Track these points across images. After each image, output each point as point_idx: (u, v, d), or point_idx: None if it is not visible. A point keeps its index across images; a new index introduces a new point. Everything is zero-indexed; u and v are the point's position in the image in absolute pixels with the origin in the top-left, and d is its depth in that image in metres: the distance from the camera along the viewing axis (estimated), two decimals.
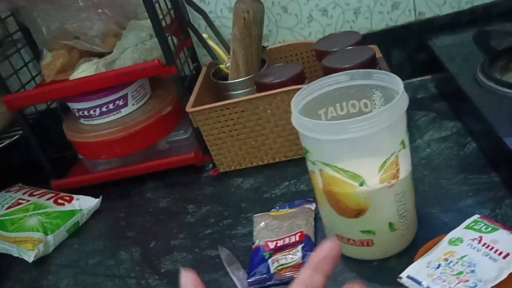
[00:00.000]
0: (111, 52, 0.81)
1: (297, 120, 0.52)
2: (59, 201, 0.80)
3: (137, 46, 0.78)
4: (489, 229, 0.52)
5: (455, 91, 0.74)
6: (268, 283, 0.57)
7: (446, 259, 0.50)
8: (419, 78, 0.92)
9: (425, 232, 0.58)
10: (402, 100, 0.50)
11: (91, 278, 0.68)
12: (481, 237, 0.51)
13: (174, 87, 0.87)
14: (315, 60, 0.90)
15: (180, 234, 0.72)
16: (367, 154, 0.51)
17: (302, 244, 0.59)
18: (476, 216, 0.55)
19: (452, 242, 0.52)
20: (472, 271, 0.48)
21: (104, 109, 0.81)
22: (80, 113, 0.83)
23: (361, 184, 0.51)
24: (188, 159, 0.83)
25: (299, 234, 0.61)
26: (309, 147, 0.53)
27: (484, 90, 0.67)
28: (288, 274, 0.57)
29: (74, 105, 0.83)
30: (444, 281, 0.48)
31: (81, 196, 0.82)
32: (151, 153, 0.86)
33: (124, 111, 0.83)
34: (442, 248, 0.52)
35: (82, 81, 0.77)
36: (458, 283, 0.47)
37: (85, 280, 0.68)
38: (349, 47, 0.80)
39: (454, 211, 0.61)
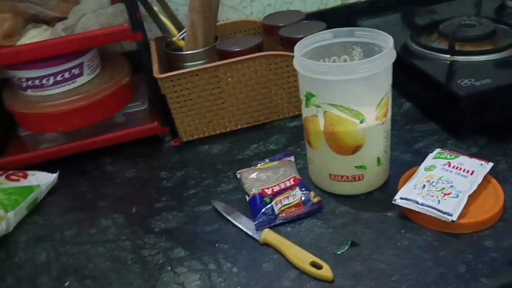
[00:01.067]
0: (63, 17, 0.77)
1: (305, 64, 0.58)
2: (12, 177, 0.73)
3: (98, 11, 0.76)
4: (452, 156, 0.64)
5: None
6: (274, 223, 0.62)
7: (428, 181, 0.61)
8: None
9: (395, 169, 0.68)
10: (393, 49, 0.59)
11: (74, 248, 0.64)
12: (449, 162, 0.63)
13: (125, 60, 0.86)
14: (262, 35, 0.96)
15: (162, 197, 0.71)
16: (368, 94, 0.58)
17: (299, 186, 0.64)
18: (438, 150, 0.67)
19: (427, 169, 0.63)
20: (451, 186, 0.59)
21: (59, 78, 0.76)
22: (30, 82, 0.76)
23: (362, 122, 0.59)
24: (148, 130, 0.83)
25: (293, 178, 0.66)
26: (316, 90, 0.59)
27: (416, 56, 0.81)
28: (292, 213, 0.62)
29: (22, 74, 0.76)
30: (432, 196, 0.58)
31: (36, 172, 0.75)
32: (106, 127, 0.83)
33: (80, 81, 0.79)
34: (421, 174, 0.63)
35: (41, 45, 0.71)
36: (444, 196, 0.58)
37: (69, 250, 0.64)
38: (298, 22, 0.88)
39: (412, 152, 0.72)
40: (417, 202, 0.58)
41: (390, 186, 0.66)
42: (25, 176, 0.74)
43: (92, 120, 0.79)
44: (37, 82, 0.76)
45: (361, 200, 0.65)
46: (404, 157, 0.72)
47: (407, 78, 0.84)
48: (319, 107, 0.60)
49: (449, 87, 0.70)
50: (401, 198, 0.59)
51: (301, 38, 0.66)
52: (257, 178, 0.68)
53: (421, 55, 0.81)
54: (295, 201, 0.63)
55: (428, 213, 0.57)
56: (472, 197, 0.59)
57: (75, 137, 0.82)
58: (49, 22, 0.79)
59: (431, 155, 0.66)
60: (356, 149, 0.61)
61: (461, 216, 0.56)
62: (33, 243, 0.66)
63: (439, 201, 0.57)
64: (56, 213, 0.71)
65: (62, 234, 0.67)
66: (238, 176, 0.71)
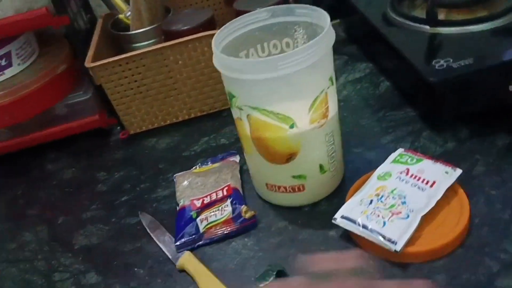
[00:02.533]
0: None
1: (221, 60, 0.47)
2: None
3: None
4: (414, 160, 0.53)
5: (367, 31, 0.73)
6: (198, 243, 0.53)
7: (377, 194, 0.50)
8: None
9: (352, 172, 0.58)
10: (330, 32, 0.47)
11: None
12: (408, 169, 0.52)
13: (66, 43, 0.77)
14: (223, 6, 0.85)
15: (92, 205, 0.64)
16: (296, 94, 0.47)
17: (231, 198, 0.55)
18: (400, 150, 0.56)
19: (381, 178, 0.52)
20: (403, 203, 0.48)
21: None
22: None
23: (292, 126, 0.48)
24: (92, 123, 0.75)
25: (226, 188, 0.57)
26: (235, 91, 0.48)
27: (395, 27, 0.67)
28: (219, 231, 0.53)
29: None
30: (378, 216, 0.47)
31: None
32: (49, 120, 0.76)
33: (9, 73, 0.71)
34: (372, 184, 0.52)
35: None
36: (391, 216, 0.47)
37: None
38: None
39: (377, 148, 0.61)
40: (358, 224, 0.48)
41: (341, 194, 0.55)
42: None
43: (22, 116, 0.71)
44: None
45: (304, 213, 0.55)
46: (368, 155, 0.60)
47: (384, 54, 0.71)
48: (241, 109, 0.49)
49: (420, 70, 0.57)
50: (342, 217, 0.49)
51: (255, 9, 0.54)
52: (189, 185, 0.60)
53: (400, 26, 0.67)
54: (223, 217, 0.54)
55: (369, 238, 0.46)
56: (430, 216, 0.48)
57: (20, 131, 0.75)
58: None
59: (390, 157, 0.55)
60: (290, 157, 0.50)
61: (410, 242, 0.46)
62: None
63: (384, 223, 0.47)
64: None
65: None
66: (175, 180, 0.63)
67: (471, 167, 0.54)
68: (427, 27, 0.63)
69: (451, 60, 0.56)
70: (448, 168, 0.51)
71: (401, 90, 0.68)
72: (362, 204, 0.49)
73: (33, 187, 0.71)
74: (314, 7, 0.50)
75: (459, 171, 0.51)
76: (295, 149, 0.50)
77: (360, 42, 0.82)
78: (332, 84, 0.49)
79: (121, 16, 0.79)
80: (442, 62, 0.57)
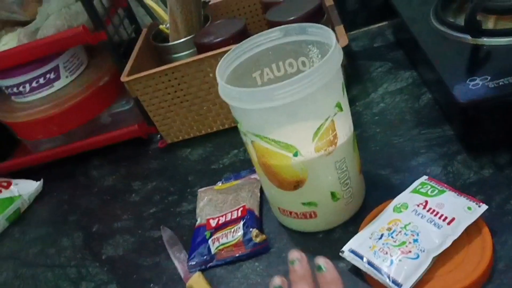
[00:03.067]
0: (34, 19, 0.73)
1: (222, 89, 0.46)
2: None
3: (61, 11, 0.70)
4: (436, 191, 0.48)
5: (408, 38, 0.68)
6: (210, 264, 0.54)
7: (389, 228, 0.46)
8: (376, 25, 0.86)
9: (373, 198, 0.54)
10: (334, 56, 0.44)
11: (30, 270, 0.64)
12: (426, 202, 0.47)
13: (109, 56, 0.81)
14: (262, 14, 0.83)
15: (124, 215, 0.67)
16: (299, 121, 0.45)
17: (244, 221, 0.55)
18: (423, 178, 0.51)
19: (397, 209, 0.48)
20: (415, 241, 0.44)
21: (34, 84, 0.74)
22: (10, 90, 0.76)
23: (295, 154, 0.46)
24: (132, 132, 0.78)
25: (241, 209, 0.57)
26: (238, 117, 0.48)
27: (436, 36, 0.61)
28: (230, 254, 0.53)
29: (1, 83, 0.76)
30: (386, 253, 0.44)
31: (20, 180, 0.77)
32: (94, 128, 0.80)
33: (58, 85, 0.76)
34: (386, 216, 0.48)
35: (2, 55, 0.69)
36: (400, 254, 0.44)
37: (24, 273, 0.64)
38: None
39: (405, 171, 0.57)
40: (364, 260, 0.45)
41: (358, 222, 0.52)
42: (8, 186, 0.75)
43: (69, 126, 0.76)
44: (15, 89, 0.75)
45: (317, 239, 0.53)
46: (394, 179, 0.57)
47: (424, 65, 0.66)
48: (246, 135, 0.48)
49: (450, 88, 0.52)
50: (349, 251, 0.47)
51: (288, 22, 0.52)
52: (209, 202, 0.60)
53: (441, 35, 0.61)
54: (234, 240, 0.53)
55: (375, 277, 0.44)
56: (446, 256, 0.44)
57: (72, 138, 0.80)
58: (25, 24, 0.76)
59: (411, 187, 0.51)
60: (297, 184, 0.49)
61: (419, 284, 0.42)
62: (1, 261, 0.67)
63: (391, 262, 0.43)
64: (32, 226, 0.72)
65: (27, 252, 0.67)
66: (198, 195, 0.63)
67: (506, 200, 0.49)
68: (469, 37, 0.57)
69: (489, 78, 0.50)
70: (472, 204, 0.46)
71: (440, 106, 0.63)
72: (372, 238, 0.46)
73: (77, 192, 0.75)
74: (323, 27, 0.47)
75: (483, 207, 0.45)
76: (302, 177, 0.48)
77: (406, 47, 0.76)
78: (341, 110, 0.46)
79: (161, 26, 0.81)
80: (478, 80, 0.51)
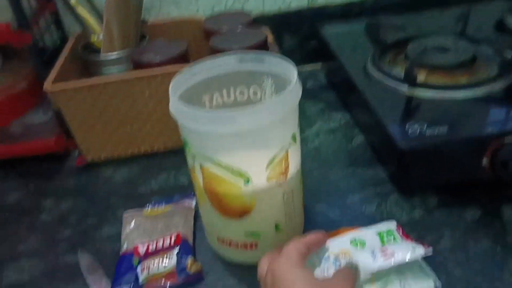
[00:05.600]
0: None
1: (176, 107, 0.44)
2: None
3: None
4: (398, 241, 0.46)
5: (344, 81, 0.71)
6: None
7: (336, 257, 0.45)
8: (309, 66, 0.89)
9: (316, 229, 0.54)
10: (295, 90, 0.44)
11: None
12: (386, 249, 0.46)
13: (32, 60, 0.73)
14: (203, 40, 0.82)
15: (32, 235, 0.59)
16: (255, 149, 0.44)
17: (178, 249, 0.51)
18: (392, 225, 0.48)
19: (353, 243, 0.47)
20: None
21: None
22: None
23: (247, 182, 0.44)
24: (47, 146, 0.70)
25: (175, 236, 0.53)
26: (189, 139, 0.45)
27: (373, 82, 0.65)
28: (160, 285, 0.49)
29: None
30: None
31: None
32: (2, 137, 0.71)
33: None
34: (341, 242, 0.46)
35: None
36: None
37: None
38: (240, 28, 0.73)
39: (341, 207, 0.58)
40: None
41: None
42: None
43: None
44: None
45: (255, 271, 0.50)
46: (331, 214, 0.57)
47: (359, 108, 0.69)
48: (194, 158, 0.46)
49: (390, 133, 0.54)
50: None
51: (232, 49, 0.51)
52: (137, 227, 0.56)
53: (378, 82, 0.65)
54: (166, 269, 0.50)
55: None
56: None
57: None
58: None
59: (378, 227, 0.48)
60: (244, 213, 0.47)
61: None
62: None
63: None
64: None
65: None
66: (123, 219, 0.58)
67: (437, 241, 0.51)
68: (405, 87, 0.61)
69: (425, 126, 0.54)
70: (418, 246, 0.44)
71: (373, 148, 0.66)
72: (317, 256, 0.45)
73: None
74: (284, 58, 0.47)
75: (428, 251, 0.43)
76: (250, 205, 0.46)
77: (340, 89, 0.80)
78: (295, 142, 0.46)
79: (93, 38, 0.76)
80: (416, 126, 0.54)
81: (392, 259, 0.43)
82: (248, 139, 0.43)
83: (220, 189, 0.45)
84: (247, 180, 0.44)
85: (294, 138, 0.46)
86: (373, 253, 0.44)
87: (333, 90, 0.81)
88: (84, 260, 0.54)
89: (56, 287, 0.52)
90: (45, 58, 0.69)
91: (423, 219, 0.54)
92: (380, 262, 0.43)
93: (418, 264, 0.45)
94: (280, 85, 0.49)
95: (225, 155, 0.44)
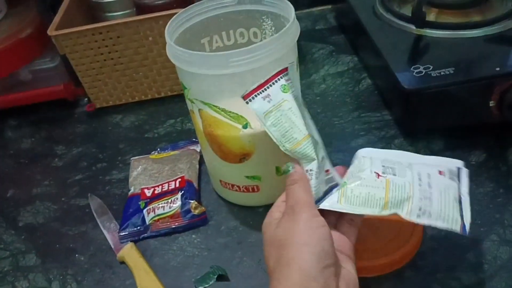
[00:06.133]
0: None
1: (172, 50, 0.43)
2: None
3: None
4: None
5: (353, 23, 0.69)
6: (143, 235, 0.51)
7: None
8: (318, 8, 0.87)
9: None
10: (292, 29, 0.43)
11: None
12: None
13: (35, 5, 0.73)
14: None
15: (44, 180, 0.62)
16: None
17: (182, 192, 0.53)
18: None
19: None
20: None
21: None
22: None
23: (245, 126, 0.45)
24: (57, 92, 0.71)
25: (180, 179, 0.54)
26: (187, 83, 0.45)
27: (382, 23, 0.63)
28: (166, 225, 0.51)
29: None
30: None
31: None
32: (12, 85, 0.72)
33: None
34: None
35: None
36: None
37: None
38: None
39: (345, 151, 0.58)
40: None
41: None
42: None
43: None
44: None
45: (257, 213, 0.52)
46: (334, 158, 0.57)
47: (367, 50, 0.67)
48: (193, 102, 0.46)
49: (396, 74, 0.53)
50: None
51: None
52: (144, 171, 0.57)
53: (386, 23, 0.63)
54: (171, 211, 0.51)
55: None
56: (384, 227, 0.45)
57: None
58: None
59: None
60: (243, 157, 0.47)
61: (365, 254, 0.43)
62: None
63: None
64: None
65: None
66: (131, 164, 0.60)
67: None
68: (413, 27, 0.59)
69: (431, 67, 0.52)
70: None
71: (380, 91, 0.65)
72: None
73: None
74: None
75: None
76: (249, 149, 0.47)
77: (349, 32, 0.77)
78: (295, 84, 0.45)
79: None
80: (421, 68, 0.53)
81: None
82: (244, 82, 0.42)
83: (219, 133, 0.46)
84: (246, 125, 0.45)
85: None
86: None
87: (342, 32, 0.79)
88: (94, 203, 0.56)
89: (69, 229, 0.54)
90: (48, 2, 0.68)
91: None
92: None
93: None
94: (280, 27, 0.48)
95: (221, 99, 0.44)
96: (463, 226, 0.38)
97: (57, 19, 0.66)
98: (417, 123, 0.55)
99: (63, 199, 0.58)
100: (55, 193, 0.60)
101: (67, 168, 0.63)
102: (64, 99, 0.73)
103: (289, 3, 0.45)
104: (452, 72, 0.52)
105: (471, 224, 0.38)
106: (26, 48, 0.70)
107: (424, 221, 0.37)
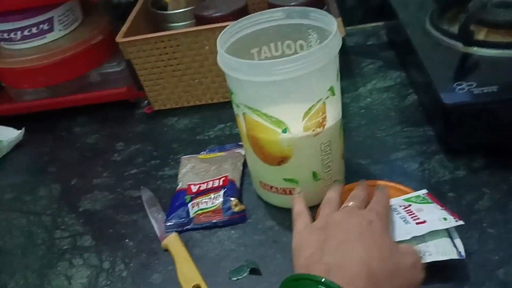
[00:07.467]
0: None
1: (222, 57, 0.48)
2: None
3: None
4: (424, 201, 0.48)
5: (403, 39, 0.70)
6: (187, 227, 0.55)
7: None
8: (372, 24, 0.89)
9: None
10: (334, 41, 0.46)
11: (3, 214, 0.64)
12: (410, 205, 0.48)
13: (108, 14, 0.80)
14: None
15: (104, 172, 0.68)
16: (292, 99, 0.47)
17: (225, 190, 0.56)
18: (422, 192, 0.50)
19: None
20: None
21: (26, 32, 0.74)
22: (0, 35, 0.75)
23: (284, 131, 0.48)
24: (120, 94, 0.78)
25: (224, 178, 0.58)
26: (234, 88, 0.49)
27: (430, 40, 0.64)
28: (208, 219, 0.55)
29: None
30: None
31: (2, 127, 0.76)
32: (82, 85, 0.80)
33: (50, 37, 0.76)
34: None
35: None
36: None
37: None
38: None
39: (384, 163, 0.59)
40: None
41: None
42: None
43: (57, 79, 0.76)
44: (6, 35, 0.74)
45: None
46: (373, 169, 0.59)
47: (413, 66, 0.68)
48: (239, 107, 0.50)
49: (437, 89, 0.54)
50: None
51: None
52: (192, 169, 0.61)
53: (434, 40, 0.64)
54: (214, 206, 0.55)
55: None
56: None
57: (58, 92, 0.80)
58: None
59: (407, 196, 0.50)
60: (282, 160, 0.50)
61: None
62: None
63: None
64: (9, 173, 0.72)
65: (1, 197, 0.67)
66: (181, 162, 0.65)
67: (476, 201, 0.52)
68: (461, 44, 0.60)
69: (474, 85, 0.53)
70: (450, 217, 0.46)
71: (424, 107, 0.66)
72: None
73: (58, 146, 0.75)
74: (326, 13, 0.49)
75: (459, 222, 0.45)
76: (287, 153, 0.50)
77: (399, 48, 0.79)
78: (333, 94, 0.48)
79: None
80: (464, 85, 0.54)
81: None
82: (285, 90, 0.46)
83: (260, 136, 0.49)
84: (285, 129, 0.48)
85: (332, 90, 0.48)
86: (395, 209, 0.46)
87: (392, 48, 0.81)
88: (145, 195, 0.61)
89: (121, 216, 0.60)
90: (120, 12, 0.75)
91: (465, 179, 0.55)
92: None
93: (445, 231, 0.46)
94: (323, 39, 0.50)
95: (264, 104, 0.47)
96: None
97: (124, 27, 0.73)
98: (457, 139, 0.56)
99: (118, 189, 0.64)
100: (113, 184, 0.65)
101: (125, 162, 0.69)
102: (126, 100, 0.79)
103: (332, 17, 0.48)
104: (495, 90, 0.52)
105: None
106: (97, 53, 0.78)
107: None
